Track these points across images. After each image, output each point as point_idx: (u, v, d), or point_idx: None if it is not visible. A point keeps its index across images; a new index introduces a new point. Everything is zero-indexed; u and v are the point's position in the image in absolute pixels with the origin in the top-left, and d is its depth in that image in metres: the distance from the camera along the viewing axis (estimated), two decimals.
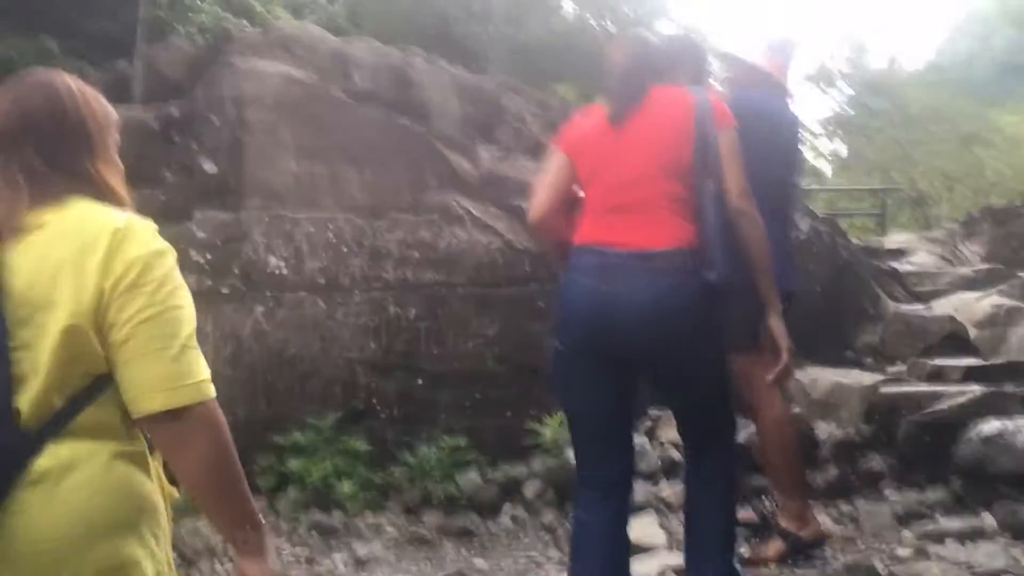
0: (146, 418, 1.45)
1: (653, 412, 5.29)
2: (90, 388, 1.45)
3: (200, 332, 5.08)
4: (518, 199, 6.26)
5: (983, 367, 5.16)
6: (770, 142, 3.62)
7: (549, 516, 4.75)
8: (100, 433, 1.45)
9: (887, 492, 4.44)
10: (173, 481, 1.61)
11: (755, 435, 4.04)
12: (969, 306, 6.34)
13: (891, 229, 13.55)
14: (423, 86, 7.46)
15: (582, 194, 2.99)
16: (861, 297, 6.56)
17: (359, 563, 4.22)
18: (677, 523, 4.12)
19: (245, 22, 14.32)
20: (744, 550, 3.85)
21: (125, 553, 1.44)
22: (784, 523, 3.80)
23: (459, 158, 6.54)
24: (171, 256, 1.52)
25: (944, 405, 4.58)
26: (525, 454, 5.25)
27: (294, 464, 4.81)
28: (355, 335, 5.40)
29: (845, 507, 4.38)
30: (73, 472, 1.40)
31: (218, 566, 3.98)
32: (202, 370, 1.49)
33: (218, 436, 1.48)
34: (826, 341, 5.79)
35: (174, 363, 1.44)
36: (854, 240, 8.36)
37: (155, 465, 1.56)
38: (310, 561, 4.17)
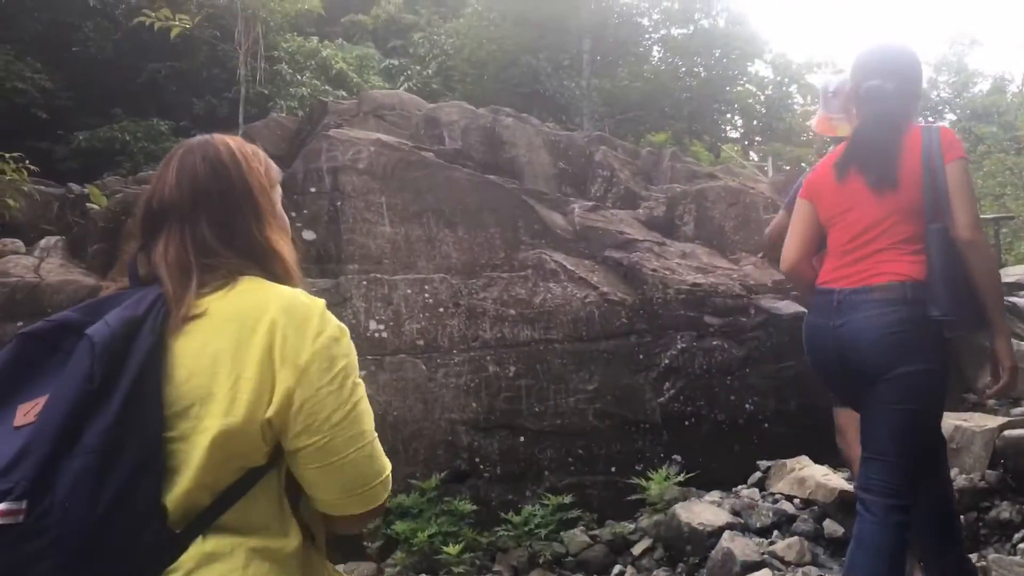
0: (346, 517, 1.47)
1: (763, 463, 5.11)
2: (240, 483, 1.37)
3: None
4: (612, 251, 6.24)
5: None
6: None
7: (660, 574, 4.60)
8: (245, 528, 1.36)
9: (1020, 543, 4.15)
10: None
11: None
12: None
13: (1007, 260, 12.91)
14: (513, 144, 7.56)
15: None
16: (981, 335, 6.23)
17: None
18: None
19: (343, 92, 14.88)
20: None
21: None
22: None
23: (551, 213, 6.56)
24: (345, 338, 1.45)
25: None
26: (632, 510, 5.14)
27: (400, 527, 4.81)
28: (456, 395, 5.42)
29: (974, 559, 4.12)
30: (212, 568, 1.33)
31: None
32: (385, 458, 1.48)
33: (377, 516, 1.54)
34: None
35: (371, 461, 1.43)
36: None
37: (319, 554, 1.51)
38: None
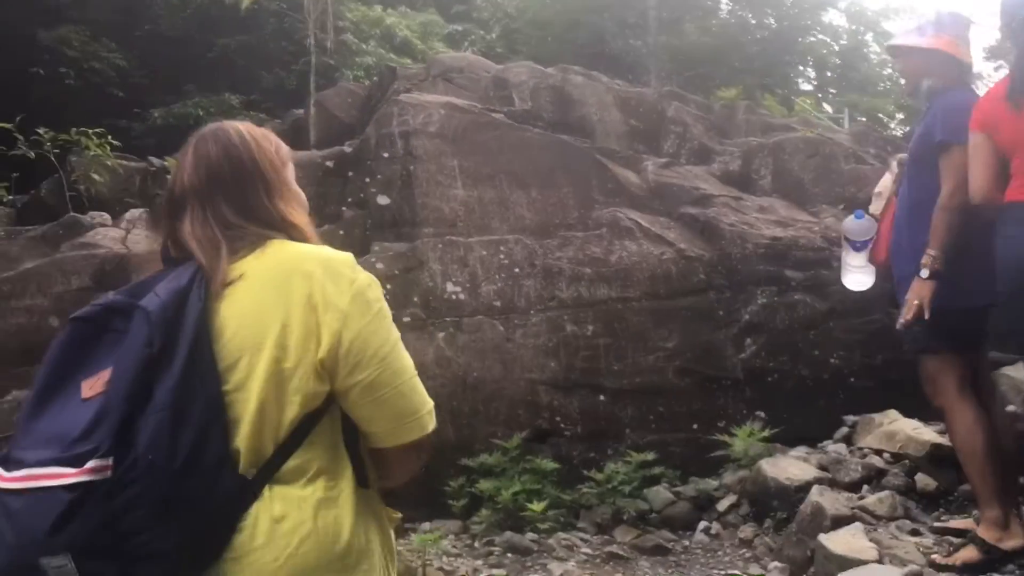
0: (396, 447, 1.52)
1: (849, 418, 5.01)
2: (299, 429, 1.44)
3: None
4: (687, 207, 6.14)
5: None
6: None
7: (747, 530, 4.57)
8: (311, 475, 1.45)
9: None
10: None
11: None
12: None
13: None
14: (584, 103, 7.47)
15: None
16: None
17: None
18: (887, 535, 3.86)
19: (407, 60, 14.89)
20: (937, 555, 3.59)
21: None
22: (981, 531, 3.49)
23: (624, 171, 6.49)
24: (376, 284, 1.53)
25: None
26: (715, 467, 5.10)
27: (484, 485, 4.86)
28: (535, 355, 5.43)
29: None
30: (284, 520, 1.41)
31: None
32: (426, 394, 1.54)
33: (427, 451, 1.56)
34: None
35: (414, 392, 1.50)
36: None
37: (373, 494, 1.56)
38: None
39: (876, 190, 4.21)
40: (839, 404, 5.24)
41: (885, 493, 4.16)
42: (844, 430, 4.98)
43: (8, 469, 1.35)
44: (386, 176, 6.12)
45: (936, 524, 3.97)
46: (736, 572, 4.31)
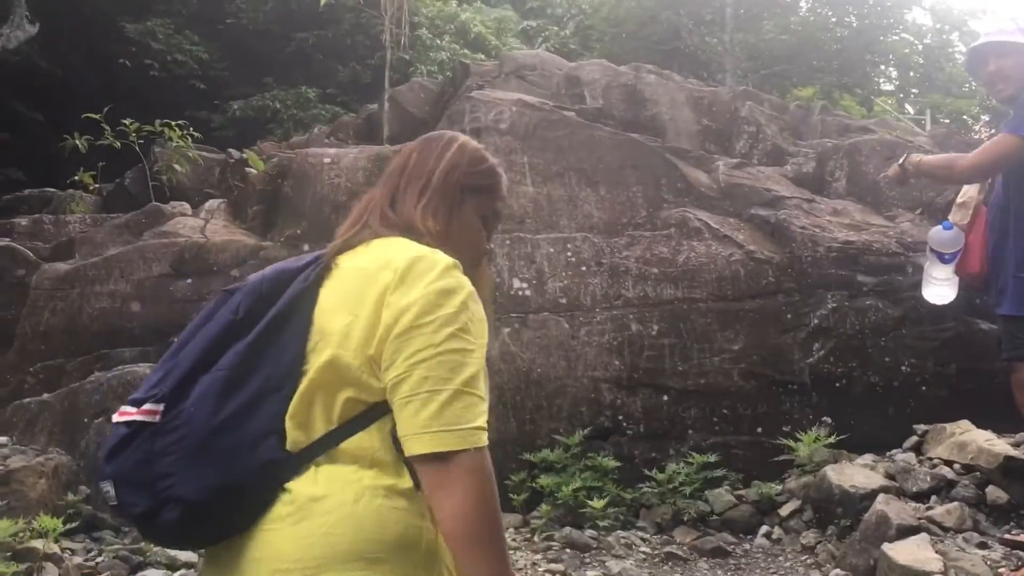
0: (414, 459, 1.42)
1: (920, 427, 4.91)
2: (359, 418, 1.46)
3: None
4: (758, 208, 6.08)
5: None
6: None
7: (809, 536, 4.52)
8: (363, 462, 1.45)
9: None
10: None
11: None
12: None
13: None
14: (656, 101, 7.45)
15: None
16: None
17: None
18: (953, 547, 3.79)
19: (481, 56, 14.98)
20: (1004, 570, 3.52)
21: None
22: None
23: (694, 170, 6.45)
24: (461, 295, 1.47)
25: None
26: (779, 472, 5.05)
27: (545, 480, 4.90)
28: (599, 353, 5.44)
29: None
30: (324, 499, 1.42)
31: None
32: (474, 417, 1.41)
33: (478, 487, 1.39)
34: None
35: (444, 407, 1.39)
36: None
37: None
38: None
39: (959, 200, 4.11)
40: (909, 413, 5.14)
41: (953, 504, 4.09)
42: (913, 439, 4.88)
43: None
44: None
45: (1006, 537, 3.88)
46: None
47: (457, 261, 1.52)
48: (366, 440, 1.46)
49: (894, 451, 4.85)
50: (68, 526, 4.34)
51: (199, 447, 1.41)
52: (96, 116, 7.52)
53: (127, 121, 7.39)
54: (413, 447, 1.41)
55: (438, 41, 15.83)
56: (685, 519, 4.85)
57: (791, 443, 4.91)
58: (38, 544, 4.05)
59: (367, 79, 15.15)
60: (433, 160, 1.69)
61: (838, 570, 4.21)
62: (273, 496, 1.43)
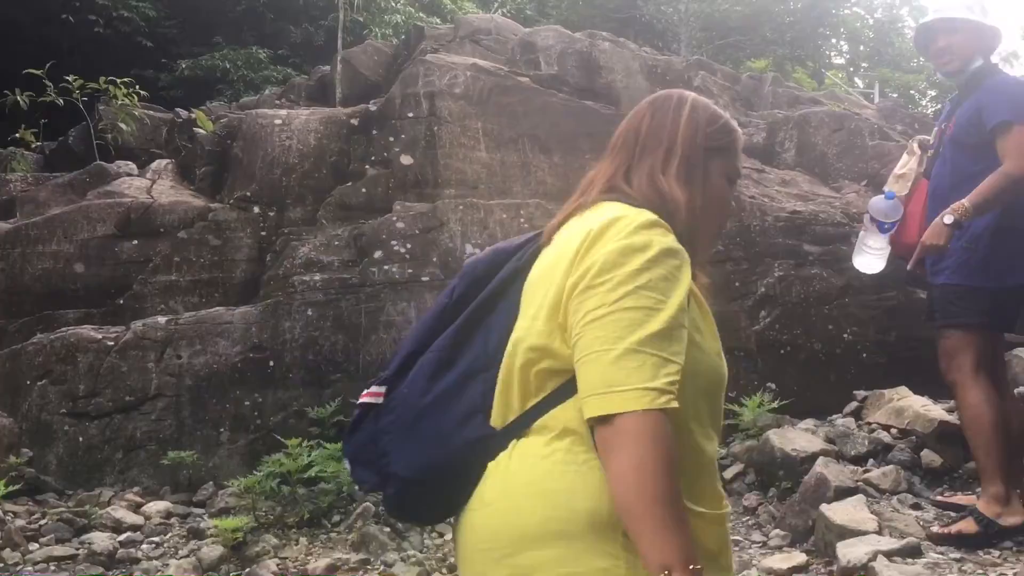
0: (590, 424, 1.34)
1: (860, 393, 5.05)
2: (558, 390, 1.40)
3: (403, 319, 5.31)
4: None
5: None
6: None
7: (751, 499, 4.63)
8: (558, 435, 1.39)
9: None
10: None
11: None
12: None
13: None
14: (611, 69, 7.45)
15: None
16: None
17: None
18: (888, 507, 3.92)
19: (436, 19, 14.82)
20: (936, 526, 3.65)
21: (566, 562, 1.34)
22: (981, 506, 3.56)
23: None
24: (647, 253, 1.36)
25: None
26: (723, 436, 5.15)
27: None
28: None
29: None
30: (517, 475, 1.40)
31: (427, 539, 4.15)
32: (648, 377, 1.30)
33: (639, 453, 1.29)
34: None
35: (611, 367, 1.30)
36: None
37: None
38: None
39: (898, 171, 4.19)
40: (850, 379, 5.27)
41: (889, 467, 4.22)
42: (853, 404, 5.02)
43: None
44: (410, 136, 6.15)
45: (938, 499, 4.02)
46: (738, 537, 4.39)
47: (658, 220, 1.42)
48: (562, 412, 1.40)
49: (835, 416, 4.98)
50: (10, 488, 4.29)
51: (409, 427, 1.47)
52: (38, 72, 7.31)
53: (70, 78, 7.19)
54: (584, 410, 1.34)
55: (392, 3, 15.61)
56: None
57: (736, 408, 5.00)
58: None
59: (320, 40, 14.92)
60: (670, 124, 1.57)
61: (778, 530, 4.33)
62: (480, 475, 1.44)
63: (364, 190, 6.04)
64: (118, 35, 14.21)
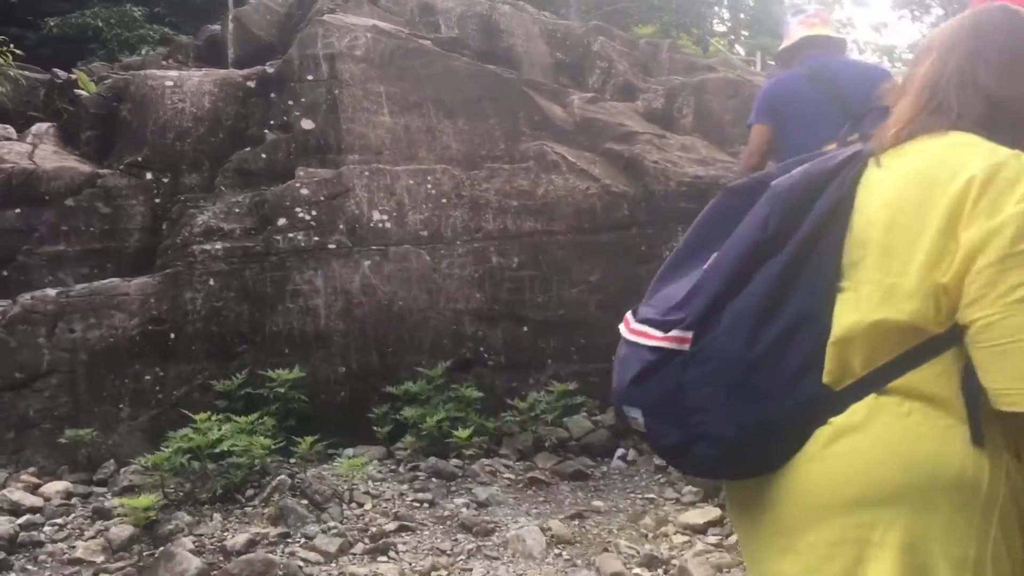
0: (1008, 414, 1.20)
1: None
2: (913, 351, 1.25)
3: (310, 287, 5.20)
4: (612, 143, 6.21)
5: None
6: None
7: None
8: (912, 395, 1.25)
9: None
10: None
11: None
12: None
13: None
14: (511, 33, 7.42)
15: None
16: None
17: (481, 506, 4.30)
18: None
19: None
20: None
21: (915, 523, 1.24)
22: None
23: (550, 104, 6.50)
24: None
25: None
26: None
27: (408, 412, 4.91)
28: (460, 286, 5.46)
29: None
30: (867, 433, 1.26)
31: (347, 510, 4.11)
32: None
33: None
34: None
35: None
36: None
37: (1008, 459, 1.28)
38: (432, 505, 4.27)
39: None
40: None
41: None
42: None
43: (635, 319, 1.46)
44: (310, 100, 5.98)
45: None
46: (652, 495, 4.51)
47: None
48: (919, 374, 1.25)
49: None
50: None
51: (735, 382, 1.28)
52: None
53: None
54: (1007, 402, 1.19)
55: None
56: (546, 445, 5.00)
57: None
58: None
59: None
60: (1006, 31, 1.35)
61: (690, 487, 4.49)
62: (812, 432, 1.29)
63: (264, 155, 5.85)
64: None
